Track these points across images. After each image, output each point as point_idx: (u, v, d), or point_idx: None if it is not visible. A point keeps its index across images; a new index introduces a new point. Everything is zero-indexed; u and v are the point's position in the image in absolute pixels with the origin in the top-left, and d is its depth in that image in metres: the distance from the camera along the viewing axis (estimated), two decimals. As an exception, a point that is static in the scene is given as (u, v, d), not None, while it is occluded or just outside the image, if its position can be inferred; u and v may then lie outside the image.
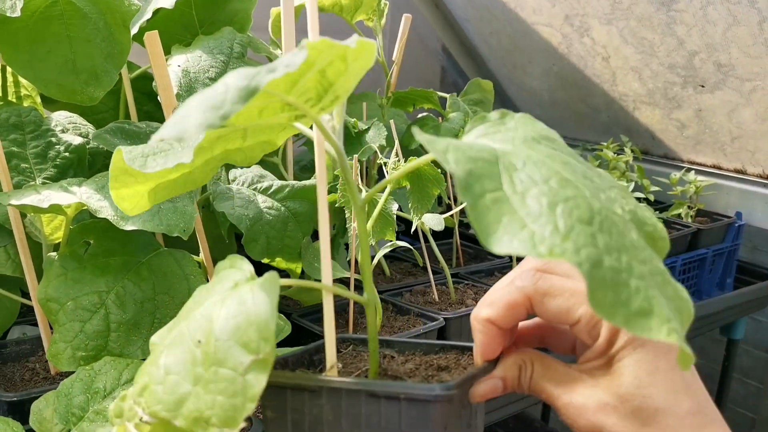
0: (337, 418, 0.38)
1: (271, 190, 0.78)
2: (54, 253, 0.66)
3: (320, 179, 0.44)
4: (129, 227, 0.59)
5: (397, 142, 0.83)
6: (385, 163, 0.78)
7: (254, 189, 0.77)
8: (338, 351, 0.47)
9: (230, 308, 0.34)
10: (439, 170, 0.79)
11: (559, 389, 0.40)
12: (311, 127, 0.43)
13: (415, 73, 1.71)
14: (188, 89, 0.84)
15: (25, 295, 0.72)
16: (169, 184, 0.45)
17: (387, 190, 0.76)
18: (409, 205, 0.82)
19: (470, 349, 0.46)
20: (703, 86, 1.36)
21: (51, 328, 0.68)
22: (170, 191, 0.46)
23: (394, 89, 1.23)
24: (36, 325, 0.78)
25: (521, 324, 0.45)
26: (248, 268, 0.39)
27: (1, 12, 0.60)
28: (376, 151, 0.90)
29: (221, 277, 0.39)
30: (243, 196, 0.75)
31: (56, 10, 0.66)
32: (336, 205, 0.83)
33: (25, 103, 0.74)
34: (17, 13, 0.59)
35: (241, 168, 0.81)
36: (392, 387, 0.38)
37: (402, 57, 1.19)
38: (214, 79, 0.86)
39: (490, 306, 0.41)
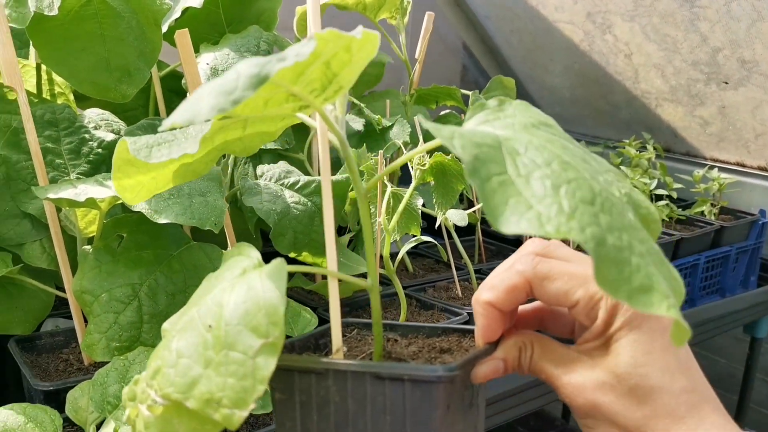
0: (343, 399, 0.40)
1: (298, 186, 0.79)
2: (88, 247, 0.68)
3: (324, 168, 0.45)
4: (162, 220, 0.60)
5: (421, 138, 0.84)
6: (409, 159, 0.78)
7: (281, 184, 0.78)
8: (343, 335, 0.48)
9: (239, 294, 0.35)
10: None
11: (558, 369, 0.41)
12: (311, 118, 0.44)
13: (435, 70, 1.72)
14: (216, 86, 0.86)
15: (59, 288, 0.74)
16: (170, 175, 0.46)
17: (412, 185, 0.77)
18: (434, 200, 0.83)
19: (471, 332, 0.47)
20: (726, 83, 1.35)
21: (85, 320, 0.70)
22: (170, 182, 0.47)
23: (416, 87, 1.24)
24: (69, 317, 0.80)
25: (521, 307, 0.46)
26: (255, 255, 0.40)
27: (38, 10, 0.62)
28: (400, 147, 0.91)
29: (230, 264, 0.40)
30: (271, 191, 0.76)
31: (90, 9, 0.68)
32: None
33: (59, 101, 0.76)
34: (54, 12, 0.61)
35: (268, 164, 0.82)
36: (396, 368, 0.39)
37: (424, 54, 1.20)
38: (241, 77, 0.88)
39: (491, 290, 0.42)
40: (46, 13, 0.61)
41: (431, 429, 0.38)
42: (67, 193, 0.58)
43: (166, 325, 0.40)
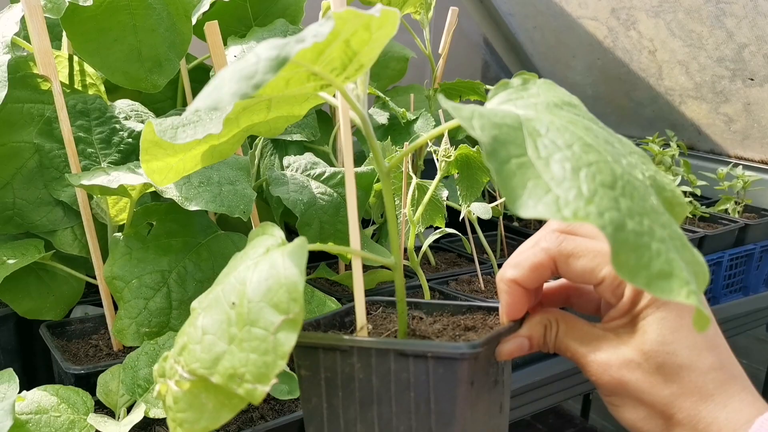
0: (367, 376, 0.40)
1: (324, 177, 0.79)
2: (119, 234, 0.69)
3: (346, 148, 0.44)
4: (193, 207, 0.61)
5: (458, 131, 0.84)
6: (434, 151, 0.79)
7: (307, 175, 0.79)
8: (368, 313, 0.48)
9: (262, 272, 0.36)
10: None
11: (584, 347, 0.41)
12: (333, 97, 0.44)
13: (456, 65, 1.72)
14: (243, 79, 0.86)
15: (89, 275, 0.75)
16: (197, 157, 0.47)
17: (438, 176, 0.77)
18: (458, 193, 0.83)
19: (496, 309, 0.46)
20: (752, 79, 1.33)
21: (115, 306, 0.71)
22: (198, 163, 0.48)
23: (440, 81, 1.25)
24: (97, 304, 0.82)
25: (546, 285, 0.46)
26: (279, 234, 0.40)
27: (73, 1, 0.63)
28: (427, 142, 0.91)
29: (254, 244, 0.40)
30: (297, 182, 0.77)
31: (123, 1, 0.69)
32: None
33: (90, 92, 0.77)
34: (89, 2, 0.62)
35: (295, 155, 0.83)
36: (420, 346, 0.39)
37: (448, 49, 1.20)
38: (267, 69, 0.89)
39: (516, 267, 0.42)
40: (80, 3, 0.62)
41: (455, 405, 0.38)
42: (100, 180, 0.59)
43: (194, 304, 0.41)
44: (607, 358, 0.40)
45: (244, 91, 0.30)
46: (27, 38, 0.69)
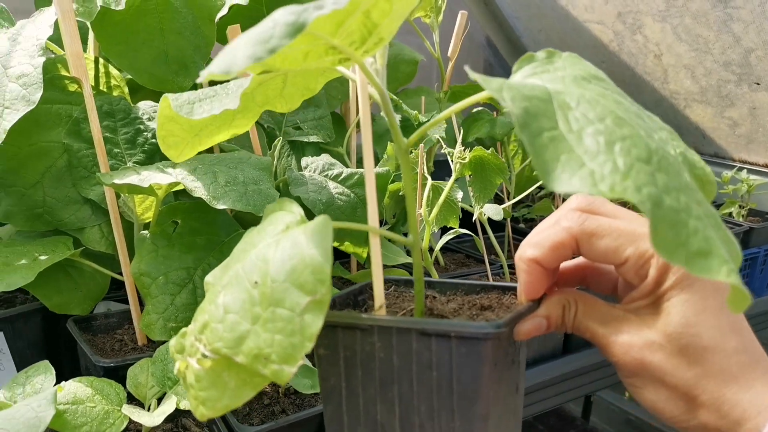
0: (388, 355, 0.39)
1: (341, 177, 0.81)
2: (145, 232, 0.71)
3: (364, 124, 0.43)
4: (220, 206, 0.63)
5: (460, 133, 0.86)
6: (449, 153, 0.81)
7: (325, 176, 0.81)
8: None
9: (285, 250, 0.34)
10: (503, 160, 0.81)
11: (604, 328, 0.40)
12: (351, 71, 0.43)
13: (458, 66, 1.74)
14: (262, 81, 0.89)
15: (114, 271, 0.77)
16: (213, 132, 0.46)
17: (452, 177, 0.79)
18: (471, 194, 0.85)
19: (511, 289, 0.46)
20: (758, 84, 1.35)
21: (140, 302, 0.73)
22: (213, 139, 0.47)
23: (449, 84, 1.27)
24: (119, 301, 0.84)
25: (562, 264, 0.45)
26: (298, 210, 0.39)
27: (105, 5, 0.65)
28: (439, 142, 0.93)
29: (272, 219, 0.39)
30: (315, 182, 0.79)
31: (151, 5, 0.71)
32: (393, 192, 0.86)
33: (114, 93, 0.79)
34: (121, 6, 0.64)
35: (312, 156, 0.85)
36: (443, 325, 0.38)
37: (457, 53, 1.22)
38: (285, 72, 0.91)
39: (535, 246, 0.41)
40: (112, 7, 0.64)
41: (478, 385, 0.38)
42: (131, 179, 0.61)
43: (208, 279, 0.40)
44: (629, 340, 0.39)
45: (259, 55, 0.29)
46: (53, 41, 0.71)
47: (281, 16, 0.30)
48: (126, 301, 0.86)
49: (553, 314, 0.42)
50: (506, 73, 1.94)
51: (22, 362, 0.76)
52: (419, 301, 0.44)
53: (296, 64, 0.37)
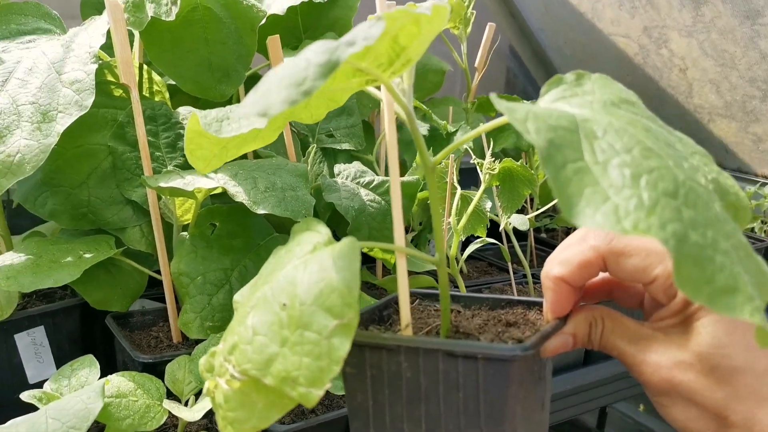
0: (415, 374, 0.39)
1: (373, 185, 0.83)
2: (185, 233, 0.73)
3: (390, 143, 0.44)
4: (260, 211, 0.65)
5: (489, 144, 0.88)
6: (478, 164, 0.83)
7: (357, 183, 0.83)
8: None
9: (312, 273, 0.35)
10: (532, 171, 0.83)
11: (632, 346, 0.40)
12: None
13: (484, 76, 1.77)
14: (297, 89, 0.91)
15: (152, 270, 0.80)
16: (240, 145, 0.47)
17: (482, 188, 0.81)
18: (499, 204, 0.87)
19: (536, 304, 0.46)
20: (783, 101, 1.36)
21: (176, 301, 0.76)
22: (239, 150, 0.48)
23: (474, 94, 1.29)
24: (153, 299, 0.87)
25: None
26: (325, 231, 0.39)
27: (156, 15, 0.68)
28: (468, 151, 0.95)
29: (299, 240, 0.40)
30: (348, 189, 0.81)
31: (197, 15, 0.74)
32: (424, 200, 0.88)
33: (156, 98, 0.82)
34: (172, 17, 0.67)
35: (344, 163, 0.87)
36: (470, 347, 0.38)
37: (484, 63, 1.24)
38: (319, 81, 0.93)
39: (562, 264, 0.41)
40: (163, 18, 0.67)
41: (506, 405, 0.38)
42: (177, 182, 0.64)
43: (237, 297, 0.41)
44: (657, 359, 0.39)
45: (294, 98, 0.29)
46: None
47: (314, 55, 0.31)
48: (159, 300, 0.89)
49: (579, 332, 0.42)
50: (529, 82, 1.95)
51: (59, 355, 0.78)
52: (445, 320, 0.44)
53: (324, 87, 0.38)
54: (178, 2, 0.65)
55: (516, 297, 0.48)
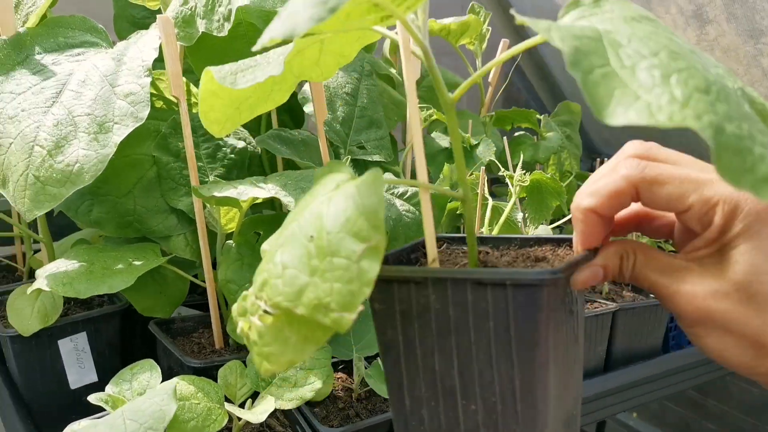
0: (444, 307, 0.39)
1: (406, 196, 0.86)
2: (230, 242, 0.75)
3: (408, 83, 0.43)
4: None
5: (512, 156, 0.91)
6: (508, 176, 0.86)
7: (391, 193, 0.86)
8: None
9: (338, 204, 0.35)
10: (561, 183, 0.86)
11: (665, 278, 0.39)
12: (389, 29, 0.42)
13: (496, 91, 1.81)
14: (329, 102, 0.94)
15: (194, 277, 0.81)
16: (252, 104, 0.48)
17: (513, 199, 0.84)
18: (526, 214, 0.90)
19: (566, 241, 0.46)
20: (783, 116, 1.41)
21: (219, 308, 0.77)
22: (253, 112, 0.49)
23: (488, 108, 1.32)
24: (191, 306, 0.88)
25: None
26: (348, 170, 0.40)
27: (207, 31, 0.70)
28: (496, 163, 0.98)
29: (323, 182, 0.40)
30: (384, 200, 0.83)
31: (240, 30, 0.76)
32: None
33: (194, 110, 0.84)
34: (224, 33, 0.69)
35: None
36: (498, 274, 0.37)
37: (506, 78, 1.28)
38: (350, 94, 0.96)
39: (593, 195, 0.40)
40: (215, 33, 0.69)
41: (537, 331, 0.38)
42: (229, 192, 0.66)
43: (265, 246, 0.40)
44: (692, 289, 0.38)
45: (321, 15, 0.29)
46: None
47: None
48: (194, 307, 0.91)
49: (610, 264, 0.41)
50: (533, 98, 2.00)
51: (100, 361, 0.80)
52: (472, 255, 0.44)
53: (338, 24, 0.37)
54: (231, 18, 0.67)
55: (545, 236, 0.48)
